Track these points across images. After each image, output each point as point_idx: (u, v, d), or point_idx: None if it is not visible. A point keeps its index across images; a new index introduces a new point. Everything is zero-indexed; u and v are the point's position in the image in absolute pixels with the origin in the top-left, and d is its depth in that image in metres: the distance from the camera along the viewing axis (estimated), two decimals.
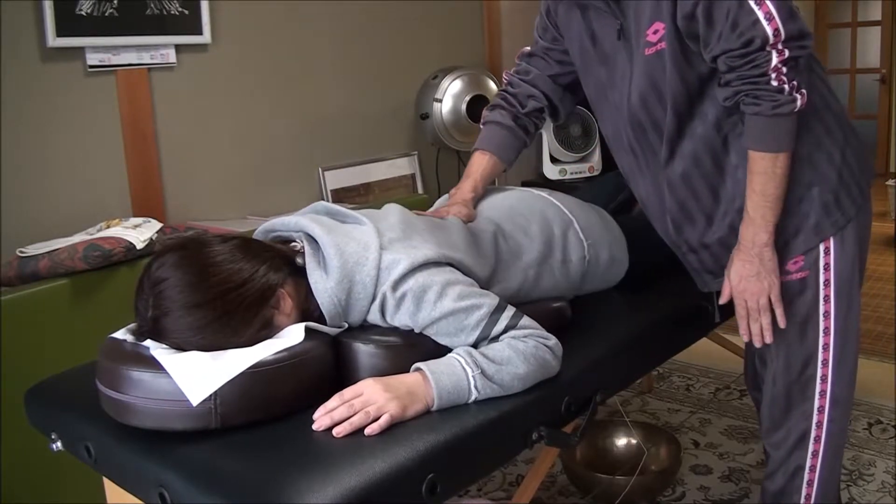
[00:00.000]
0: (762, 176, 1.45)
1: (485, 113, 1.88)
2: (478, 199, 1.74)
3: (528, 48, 1.86)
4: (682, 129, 1.52)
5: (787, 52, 1.37)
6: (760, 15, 1.35)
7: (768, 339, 1.55)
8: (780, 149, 1.44)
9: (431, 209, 1.76)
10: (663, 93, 1.51)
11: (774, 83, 1.38)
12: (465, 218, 1.65)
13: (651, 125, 1.56)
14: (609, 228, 1.82)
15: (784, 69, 1.37)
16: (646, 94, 1.53)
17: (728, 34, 1.38)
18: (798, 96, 1.40)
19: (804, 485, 1.61)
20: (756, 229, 1.48)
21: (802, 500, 1.62)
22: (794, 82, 1.39)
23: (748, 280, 1.51)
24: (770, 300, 1.52)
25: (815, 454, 1.60)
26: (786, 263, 1.55)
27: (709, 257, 1.64)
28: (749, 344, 1.83)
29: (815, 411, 1.59)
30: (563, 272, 1.70)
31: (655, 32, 1.47)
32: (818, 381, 1.58)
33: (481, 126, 1.88)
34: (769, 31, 1.35)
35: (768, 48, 1.36)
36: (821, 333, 1.56)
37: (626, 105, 1.57)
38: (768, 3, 1.35)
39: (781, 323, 1.54)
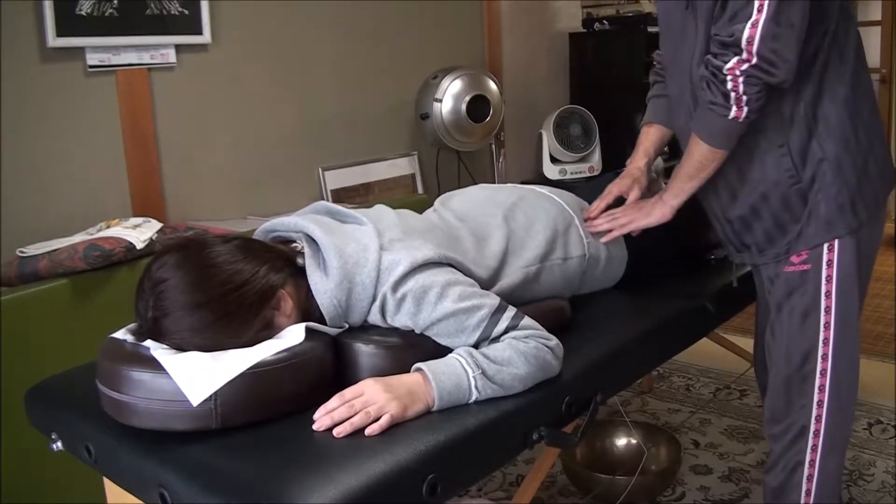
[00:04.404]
0: (686, 151, 1.58)
1: (648, 95, 1.95)
2: (650, 164, 1.89)
3: None
4: None
5: (747, 65, 1.40)
6: (752, 17, 1.38)
7: (611, 235, 1.78)
8: (708, 140, 1.52)
9: (606, 192, 1.85)
10: None
11: (729, 84, 1.42)
12: (637, 190, 1.82)
13: None
14: None
15: (741, 77, 1.41)
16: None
17: (726, 22, 1.42)
18: (735, 107, 1.44)
19: (804, 480, 1.61)
20: (669, 194, 1.67)
21: (803, 496, 1.61)
22: (745, 96, 1.42)
23: (640, 204, 1.75)
24: (631, 227, 1.73)
25: (814, 449, 1.60)
26: (791, 255, 1.57)
27: (731, 231, 1.68)
28: (758, 334, 1.85)
29: (815, 405, 1.59)
30: (563, 270, 1.71)
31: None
32: (818, 375, 1.58)
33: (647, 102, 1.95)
34: (746, 35, 1.38)
35: (738, 48, 1.39)
36: (821, 327, 1.57)
37: (690, 70, 1.58)
38: (764, 14, 1.37)
39: (607, 237, 1.77)
